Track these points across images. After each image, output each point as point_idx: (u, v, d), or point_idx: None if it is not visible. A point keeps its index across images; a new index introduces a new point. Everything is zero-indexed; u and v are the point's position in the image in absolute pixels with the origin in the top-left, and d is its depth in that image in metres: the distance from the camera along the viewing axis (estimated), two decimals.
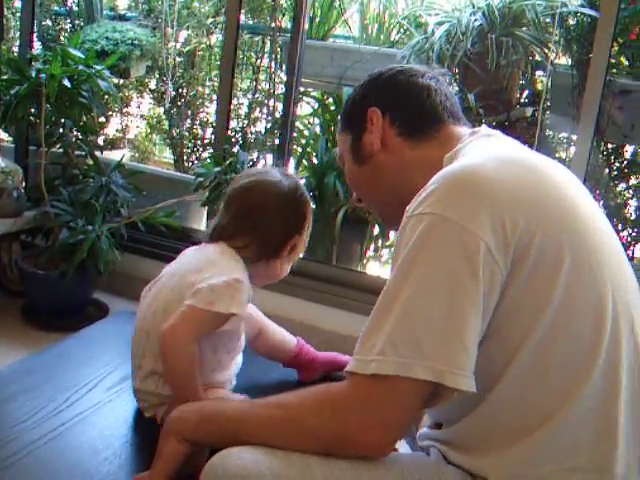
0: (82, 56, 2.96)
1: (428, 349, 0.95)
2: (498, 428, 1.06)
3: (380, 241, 3.92)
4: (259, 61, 4.58)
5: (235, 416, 1.12)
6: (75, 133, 3.24)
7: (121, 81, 4.48)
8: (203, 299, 1.37)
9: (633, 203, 3.73)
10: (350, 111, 1.39)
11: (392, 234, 3.95)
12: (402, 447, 1.35)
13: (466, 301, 0.97)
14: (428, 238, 0.99)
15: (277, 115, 4.27)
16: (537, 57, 3.55)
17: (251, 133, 4.47)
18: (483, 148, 1.18)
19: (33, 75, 2.89)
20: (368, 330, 1.02)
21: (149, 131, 5.14)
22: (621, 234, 3.68)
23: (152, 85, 4.90)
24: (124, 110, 5.00)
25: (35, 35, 3.77)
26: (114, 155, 4.30)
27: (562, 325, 1.01)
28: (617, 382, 1.04)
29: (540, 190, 1.08)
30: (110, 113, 4.86)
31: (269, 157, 4.08)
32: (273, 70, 4.48)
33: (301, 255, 1.64)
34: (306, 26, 3.39)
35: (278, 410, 1.08)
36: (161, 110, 4.95)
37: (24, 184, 3.24)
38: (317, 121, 4.18)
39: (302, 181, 1.59)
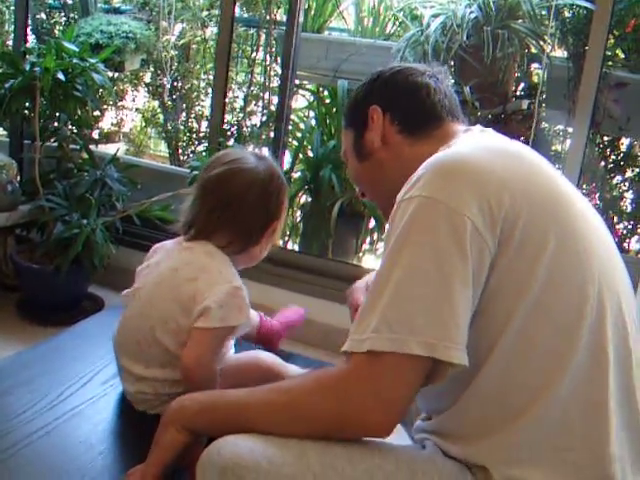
0: (76, 49, 2.95)
1: (420, 325, 0.97)
2: (489, 412, 1.07)
3: (376, 234, 3.93)
4: (254, 54, 4.57)
5: (235, 403, 1.12)
6: (70, 127, 3.24)
7: (116, 74, 4.47)
8: (215, 317, 1.36)
9: (629, 196, 3.73)
10: (352, 109, 1.42)
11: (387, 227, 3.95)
12: (403, 439, 1.35)
13: (456, 278, 0.99)
14: (417, 220, 1.03)
15: (272, 108, 4.27)
16: (533, 50, 3.55)
17: (246, 126, 4.47)
18: (473, 140, 1.21)
19: (27, 69, 2.88)
20: (363, 312, 1.04)
21: (144, 124, 5.13)
22: (617, 227, 3.68)
23: (147, 78, 4.89)
24: (119, 104, 4.99)
25: (29, 28, 3.75)
26: (109, 149, 4.29)
27: (545, 305, 1.03)
28: (603, 366, 1.05)
29: (528, 178, 1.11)
30: (105, 107, 4.85)
31: (265, 150, 4.07)
32: (268, 63, 4.48)
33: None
34: (301, 19, 3.38)
35: (278, 395, 1.08)
36: (156, 103, 4.94)
37: (19, 178, 3.23)
38: (312, 114, 4.18)
39: (274, 162, 1.54)
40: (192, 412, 1.15)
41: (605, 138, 3.66)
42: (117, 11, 4.53)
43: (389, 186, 1.30)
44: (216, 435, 1.07)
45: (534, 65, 3.70)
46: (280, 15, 4.34)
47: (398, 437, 1.18)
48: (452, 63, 3.57)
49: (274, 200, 1.49)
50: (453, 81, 3.53)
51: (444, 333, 0.97)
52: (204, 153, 3.36)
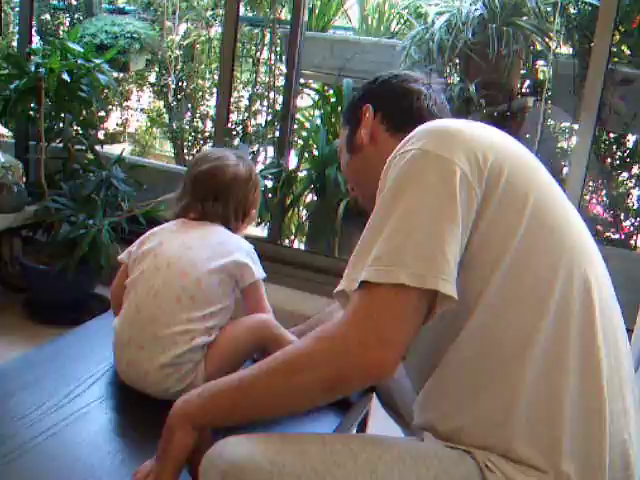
0: (81, 50, 2.95)
1: (410, 257, 1.00)
2: (469, 377, 1.10)
3: None
4: (259, 53, 4.57)
5: (237, 384, 1.11)
6: (75, 127, 3.24)
7: (121, 75, 4.48)
8: (255, 270, 1.64)
9: (635, 192, 3.72)
10: (349, 108, 1.55)
11: None
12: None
13: (445, 216, 1.03)
14: (408, 168, 1.09)
15: (277, 107, 4.26)
16: (538, 46, 3.54)
17: (251, 126, 4.46)
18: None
19: (32, 70, 2.89)
20: (356, 255, 1.08)
21: (149, 125, 5.13)
22: (624, 224, 3.67)
23: (152, 78, 4.89)
24: (124, 104, 4.99)
25: (34, 29, 3.76)
26: (114, 149, 4.30)
27: (524, 256, 1.08)
28: (566, 328, 1.07)
29: (512, 149, 1.19)
30: (110, 107, 4.85)
31: (270, 149, 4.07)
32: (273, 62, 4.47)
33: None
34: (306, 18, 3.38)
35: (277, 358, 1.08)
36: (161, 103, 4.94)
37: (24, 179, 3.24)
38: (317, 113, 4.17)
39: (250, 160, 1.85)
40: (196, 407, 1.14)
41: (611, 135, 3.65)
42: (121, 11, 4.54)
43: (373, 179, 1.34)
44: (226, 423, 1.09)
45: (539, 62, 3.69)
46: (284, 14, 4.34)
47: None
48: (457, 61, 3.57)
49: (253, 191, 1.77)
50: (458, 79, 3.53)
51: (433, 265, 1.00)
52: None
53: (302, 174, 3.76)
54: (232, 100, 3.64)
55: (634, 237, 3.68)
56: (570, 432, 1.05)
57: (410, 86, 1.48)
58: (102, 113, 4.50)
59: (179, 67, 4.64)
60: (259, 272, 1.65)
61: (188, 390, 1.39)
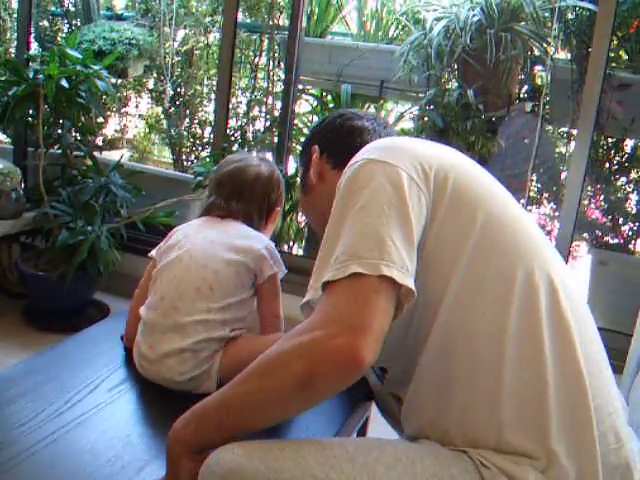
0: (79, 56, 2.95)
1: (362, 251, 1.03)
2: (445, 377, 1.11)
3: None
4: (257, 59, 4.57)
5: (220, 400, 1.11)
6: (74, 134, 3.24)
7: (119, 81, 4.47)
8: (272, 265, 1.69)
9: (634, 197, 3.72)
10: (302, 150, 1.65)
11: None
12: None
13: (395, 211, 1.07)
14: (357, 175, 1.13)
15: (276, 113, 4.27)
16: (536, 52, 3.54)
17: (250, 131, 4.46)
18: None
19: (31, 76, 2.89)
20: (317, 266, 1.11)
21: (148, 131, 5.13)
22: (622, 228, 3.67)
23: (150, 85, 4.89)
24: (122, 110, 4.99)
25: (32, 36, 3.76)
26: (113, 155, 4.30)
27: (486, 245, 1.11)
28: (536, 315, 1.09)
29: (457, 159, 1.24)
30: (108, 113, 4.85)
31: (268, 155, 4.07)
32: (271, 68, 4.47)
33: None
34: (304, 24, 3.38)
35: (251, 365, 1.08)
36: (159, 110, 4.94)
37: (23, 185, 3.24)
38: (316, 119, 4.17)
39: (273, 162, 1.92)
40: (190, 434, 1.12)
41: (609, 140, 3.65)
42: (119, 18, 4.54)
43: (323, 213, 1.39)
44: (222, 442, 1.06)
45: (537, 67, 3.69)
46: (283, 20, 4.34)
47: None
48: (455, 66, 3.57)
49: (275, 190, 1.83)
50: (457, 84, 3.53)
51: (385, 255, 1.02)
52: (208, 159, 3.36)
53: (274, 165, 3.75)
54: (230, 106, 3.64)
55: (633, 242, 3.68)
56: (556, 413, 1.06)
57: (353, 124, 1.56)
58: (100, 119, 4.50)
59: (177, 73, 4.64)
60: (278, 268, 1.70)
61: (202, 377, 1.56)
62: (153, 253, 1.77)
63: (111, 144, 4.91)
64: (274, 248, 1.74)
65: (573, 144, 3.11)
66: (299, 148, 3.91)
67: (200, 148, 4.81)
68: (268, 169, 1.84)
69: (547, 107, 3.58)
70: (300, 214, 4.06)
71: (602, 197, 3.70)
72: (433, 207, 1.12)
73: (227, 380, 1.13)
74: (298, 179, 1.67)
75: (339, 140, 1.55)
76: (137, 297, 1.77)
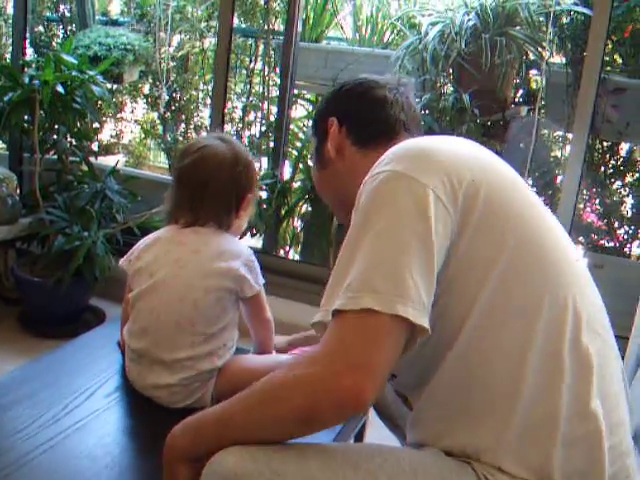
0: (75, 62, 2.95)
1: (377, 283, 0.98)
2: (458, 401, 1.09)
3: None
4: (253, 64, 4.57)
5: (220, 415, 1.09)
6: (69, 139, 3.24)
7: (114, 86, 4.47)
8: (254, 283, 1.57)
9: (629, 201, 3.73)
10: (316, 118, 1.51)
11: None
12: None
13: (417, 240, 1.01)
14: (382, 190, 1.06)
15: (271, 118, 4.27)
16: (531, 56, 3.55)
17: (246, 137, 4.46)
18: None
19: (26, 82, 2.88)
20: (330, 286, 1.05)
21: (143, 136, 5.13)
22: (618, 232, 3.68)
23: (146, 90, 4.89)
24: (118, 115, 4.99)
25: (27, 41, 3.76)
26: (108, 161, 4.29)
27: (515, 266, 1.06)
28: (557, 350, 1.05)
29: (489, 164, 1.17)
30: (104, 118, 4.85)
31: (264, 160, 4.07)
32: (267, 73, 4.48)
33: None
34: (299, 29, 3.39)
35: (254, 389, 1.06)
36: (155, 115, 4.94)
37: (19, 191, 3.24)
38: (311, 123, 4.17)
39: (237, 142, 1.72)
40: (190, 439, 1.12)
41: (604, 143, 3.66)
42: (115, 23, 4.54)
43: (341, 194, 1.39)
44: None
45: (533, 71, 3.70)
46: (278, 25, 4.35)
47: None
48: (451, 71, 3.58)
49: (243, 175, 1.64)
50: (452, 89, 3.54)
51: (402, 291, 0.97)
52: None
53: (297, 184, 3.76)
54: (226, 111, 3.63)
55: (628, 245, 3.69)
56: (564, 454, 1.03)
57: (375, 94, 1.42)
58: (96, 125, 4.49)
59: (173, 78, 4.64)
60: (258, 282, 1.59)
61: (197, 404, 1.48)
62: (124, 265, 1.66)
63: (107, 149, 4.91)
64: (253, 259, 1.60)
65: (568, 148, 3.12)
66: (295, 153, 3.92)
67: None
68: (232, 152, 1.64)
69: (542, 111, 3.59)
70: (296, 217, 4.05)
71: (597, 201, 3.71)
72: (460, 227, 1.06)
73: (223, 398, 1.13)
74: (311, 153, 1.57)
75: (360, 113, 1.42)
76: (125, 311, 1.70)
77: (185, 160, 1.64)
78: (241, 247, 1.61)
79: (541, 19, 3.45)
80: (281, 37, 3.68)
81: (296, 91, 3.88)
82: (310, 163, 1.57)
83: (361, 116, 1.42)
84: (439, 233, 1.02)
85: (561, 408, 1.03)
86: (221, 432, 1.07)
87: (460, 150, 1.17)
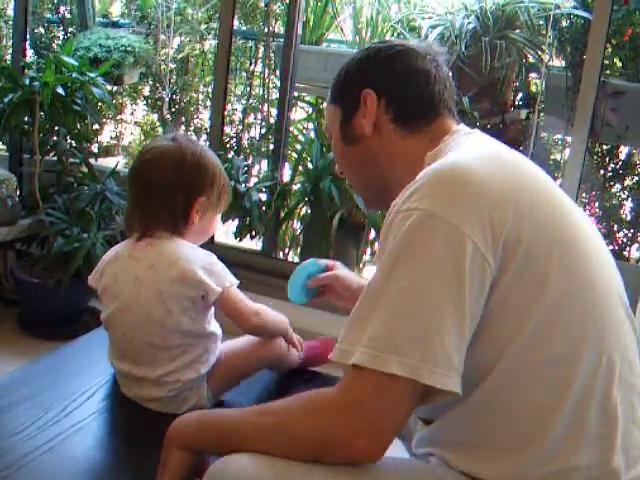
0: (75, 63, 2.95)
1: (405, 345, 0.93)
2: (479, 437, 1.06)
3: (376, 245, 3.92)
4: (253, 66, 4.58)
5: (229, 424, 1.10)
6: (69, 141, 3.24)
7: (115, 88, 4.47)
8: (216, 284, 1.45)
9: (628, 204, 3.73)
10: (344, 85, 1.32)
11: None
12: (400, 454, 1.34)
13: (450, 301, 0.94)
14: (415, 234, 0.98)
15: (271, 120, 4.27)
16: (531, 59, 3.56)
17: (246, 139, 4.47)
18: (465, 146, 1.15)
19: (26, 83, 2.88)
20: (351, 321, 1.01)
21: (143, 138, 5.13)
22: (617, 235, 3.68)
23: (146, 92, 4.90)
24: (118, 117, 4.99)
25: (28, 43, 3.76)
26: (108, 162, 4.30)
27: (554, 320, 1.00)
28: (611, 373, 1.03)
29: (530, 191, 1.07)
30: (104, 120, 4.85)
31: (264, 163, 4.07)
32: (267, 75, 4.48)
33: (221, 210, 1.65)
34: (299, 31, 3.39)
35: (267, 417, 1.05)
36: (155, 117, 4.94)
37: (18, 192, 3.24)
38: (311, 126, 4.18)
39: (188, 141, 1.56)
40: (191, 432, 1.14)
41: (604, 147, 3.67)
42: (115, 25, 4.54)
43: (373, 175, 1.28)
44: (214, 454, 1.06)
45: (532, 75, 3.70)
46: (278, 27, 4.35)
47: (396, 452, 1.17)
48: (450, 73, 3.58)
49: (190, 178, 1.50)
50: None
51: (430, 357, 0.93)
52: None
53: (296, 187, 3.76)
54: (226, 113, 3.64)
55: (627, 248, 3.69)
56: None
57: (418, 66, 1.26)
58: (96, 126, 4.49)
59: (173, 80, 4.64)
60: (222, 284, 1.47)
61: (194, 409, 1.42)
62: (92, 283, 1.60)
63: (106, 151, 4.91)
64: (212, 261, 1.49)
65: (568, 151, 3.12)
66: (294, 155, 3.92)
67: None
68: (179, 152, 1.50)
69: (542, 114, 3.59)
70: (296, 220, 4.05)
71: (597, 204, 3.71)
72: (498, 276, 0.98)
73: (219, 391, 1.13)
74: (329, 122, 1.35)
75: (403, 86, 1.25)
76: None
77: (134, 163, 1.56)
78: (197, 252, 1.50)
79: (541, 22, 3.45)
80: (281, 39, 3.68)
81: (296, 93, 3.88)
82: (327, 133, 1.34)
83: (404, 91, 1.26)
84: (474, 290, 0.96)
85: (581, 462, 1.01)
86: (225, 440, 1.07)
87: (502, 174, 1.06)
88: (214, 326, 1.55)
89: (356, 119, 1.27)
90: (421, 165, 1.13)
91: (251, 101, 4.55)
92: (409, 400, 0.96)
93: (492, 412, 1.04)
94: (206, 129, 4.64)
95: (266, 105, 4.44)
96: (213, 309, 1.52)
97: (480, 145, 1.18)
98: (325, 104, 1.37)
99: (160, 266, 1.45)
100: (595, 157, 3.66)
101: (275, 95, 4.21)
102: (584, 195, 3.66)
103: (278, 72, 4.07)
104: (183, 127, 4.80)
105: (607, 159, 3.70)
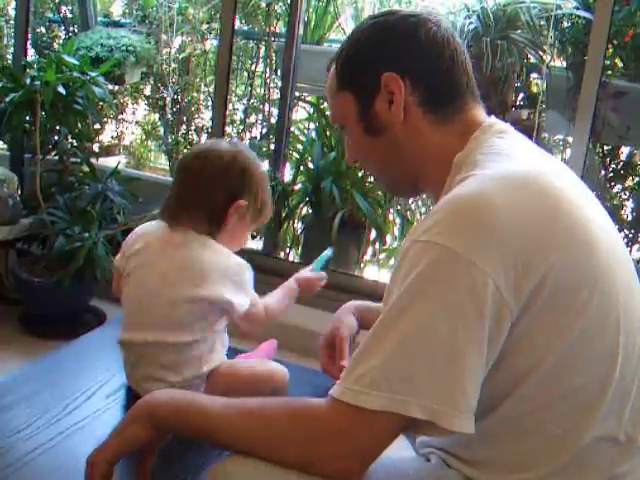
0: (76, 63, 2.96)
1: (424, 387, 0.90)
2: (503, 452, 1.02)
3: (377, 245, 3.92)
4: (254, 66, 4.58)
5: (207, 415, 1.03)
6: (70, 140, 3.24)
7: (116, 88, 4.48)
8: (243, 300, 1.48)
9: (629, 204, 3.73)
10: (356, 68, 1.17)
11: (389, 239, 3.95)
12: (406, 450, 1.33)
13: (468, 341, 0.90)
14: (434, 271, 0.92)
15: (272, 120, 4.27)
16: (532, 59, 3.56)
17: (247, 139, 4.47)
18: (497, 162, 1.05)
19: (28, 82, 2.89)
20: (359, 357, 0.95)
21: (144, 137, 5.14)
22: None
23: (147, 91, 4.90)
24: (119, 117, 4.99)
25: (29, 42, 3.76)
26: (109, 162, 4.29)
27: (576, 356, 0.96)
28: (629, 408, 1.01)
29: (564, 217, 0.99)
30: (105, 120, 4.86)
31: (265, 163, 4.07)
32: (268, 75, 4.48)
33: (265, 221, 1.69)
34: (301, 31, 3.39)
35: (251, 422, 1.00)
36: (156, 116, 4.95)
37: (20, 192, 3.24)
38: (313, 126, 4.18)
39: (243, 147, 1.59)
40: (164, 413, 1.06)
41: (605, 147, 3.66)
42: (117, 24, 4.55)
43: (400, 168, 1.19)
44: (185, 438, 1.05)
45: (533, 75, 3.70)
46: (280, 27, 4.35)
47: (400, 447, 1.17)
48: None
49: (235, 178, 1.51)
50: None
51: (449, 399, 0.90)
52: None
53: (297, 187, 3.76)
54: (227, 113, 3.64)
55: (629, 249, 3.69)
56: None
57: (440, 37, 1.13)
58: (97, 126, 4.50)
59: (174, 80, 4.65)
60: (245, 301, 1.48)
61: None
62: (118, 264, 1.60)
63: (108, 150, 4.91)
64: (242, 275, 1.49)
65: (569, 151, 3.12)
66: (296, 155, 3.91)
67: None
68: (229, 153, 1.52)
69: (543, 114, 3.59)
70: (297, 220, 4.05)
71: None
72: (519, 317, 0.92)
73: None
74: (341, 112, 1.21)
75: (430, 63, 1.13)
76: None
77: (187, 153, 1.61)
78: (230, 262, 1.49)
79: (542, 23, 3.45)
80: (282, 39, 3.68)
81: (297, 93, 3.88)
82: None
83: (432, 68, 1.13)
84: (494, 330, 0.91)
85: None
86: (203, 432, 1.03)
87: (536, 204, 0.97)
88: (222, 324, 1.55)
89: (378, 106, 1.14)
90: (449, 165, 1.08)
91: (252, 101, 4.56)
92: (398, 433, 0.95)
93: (504, 435, 1.01)
94: (207, 129, 4.64)
95: (267, 105, 4.44)
96: None
97: (514, 159, 1.07)
98: (328, 91, 1.23)
99: (189, 276, 1.44)
100: (596, 157, 3.65)
101: (276, 95, 4.21)
102: None
103: (279, 72, 4.07)
104: (184, 127, 4.80)
105: (608, 159, 3.70)
